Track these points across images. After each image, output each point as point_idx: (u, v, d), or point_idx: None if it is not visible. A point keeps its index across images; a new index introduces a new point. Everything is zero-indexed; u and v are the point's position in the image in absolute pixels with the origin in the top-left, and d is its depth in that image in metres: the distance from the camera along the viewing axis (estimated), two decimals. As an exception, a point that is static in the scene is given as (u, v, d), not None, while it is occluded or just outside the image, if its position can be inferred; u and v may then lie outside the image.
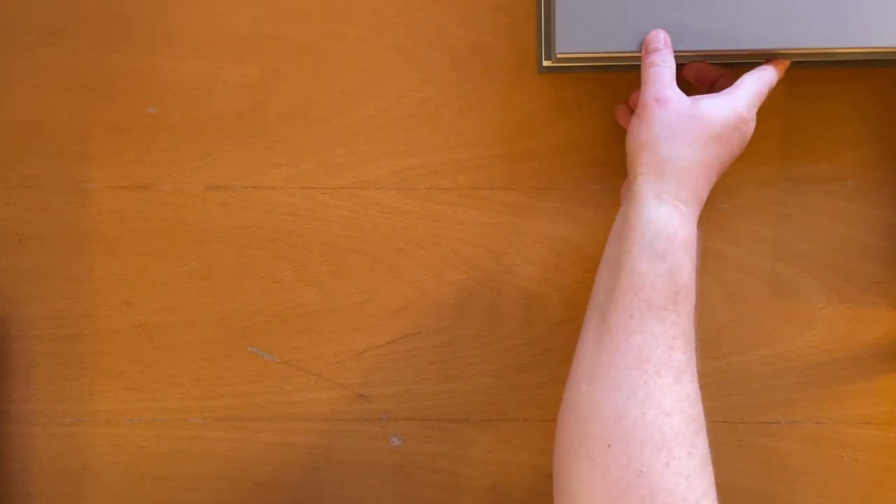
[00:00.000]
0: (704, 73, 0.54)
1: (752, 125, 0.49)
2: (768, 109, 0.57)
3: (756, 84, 0.50)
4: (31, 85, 0.58)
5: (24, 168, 0.58)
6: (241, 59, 0.58)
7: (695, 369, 0.46)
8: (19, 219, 0.59)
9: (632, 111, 0.55)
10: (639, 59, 0.52)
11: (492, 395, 0.59)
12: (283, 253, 0.59)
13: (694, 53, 0.52)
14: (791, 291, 0.58)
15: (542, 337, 0.58)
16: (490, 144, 0.58)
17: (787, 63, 0.52)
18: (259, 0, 0.58)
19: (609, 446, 0.43)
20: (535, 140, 0.58)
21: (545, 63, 0.55)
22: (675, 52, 0.51)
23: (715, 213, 0.58)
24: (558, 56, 0.52)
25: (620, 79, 0.57)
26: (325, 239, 0.58)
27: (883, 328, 0.58)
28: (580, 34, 0.51)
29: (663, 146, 0.48)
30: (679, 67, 0.51)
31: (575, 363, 0.48)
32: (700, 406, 0.45)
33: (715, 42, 0.51)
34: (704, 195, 0.49)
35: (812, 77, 0.57)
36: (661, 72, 0.50)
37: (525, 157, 0.58)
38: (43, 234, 0.59)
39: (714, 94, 0.49)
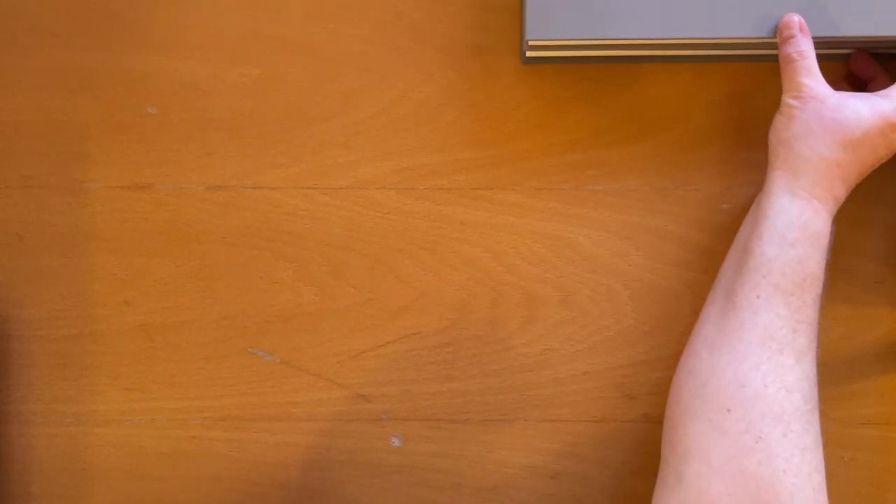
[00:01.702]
0: (864, 67, 0.54)
1: None
2: (768, 110, 0.57)
3: None
4: (31, 85, 0.58)
5: (24, 168, 0.58)
6: (241, 59, 0.58)
7: (815, 354, 0.48)
8: (19, 219, 0.59)
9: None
10: (617, 46, 0.52)
11: (492, 395, 0.59)
12: (283, 253, 0.59)
13: (672, 42, 0.52)
14: (791, 291, 0.58)
15: (542, 337, 0.58)
16: (490, 144, 0.58)
17: None
18: (259, 0, 0.58)
19: (729, 410, 0.46)
20: (535, 140, 0.58)
21: (528, 54, 0.55)
22: (648, 40, 0.51)
23: (715, 213, 0.58)
24: (529, 44, 0.52)
25: (621, 78, 0.57)
26: (325, 239, 0.58)
27: (883, 328, 0.58)
28: (551, 21, 0.51)
29: (801, 145, 0.49)
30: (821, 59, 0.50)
31: (695, 335, 0.50)
32: (817, 390, 0.48)
33: (708, 29, 0.51)
34: (841, 194, 0.49)
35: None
36: (799, 67, 0.50)
37: (525, 157, 0.58)
38: (43, 234, 0.59)
39: (861, 95, 0.49)
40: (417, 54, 0.58)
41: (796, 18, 0.51)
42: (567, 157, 0.58)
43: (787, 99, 0.50)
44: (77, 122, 0.58)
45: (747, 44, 0.53)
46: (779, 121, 0.50)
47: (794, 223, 0.48)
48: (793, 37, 0.50)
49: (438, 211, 0.58)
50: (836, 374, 0.58)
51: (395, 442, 0.59)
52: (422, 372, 0.59)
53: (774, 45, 0.52)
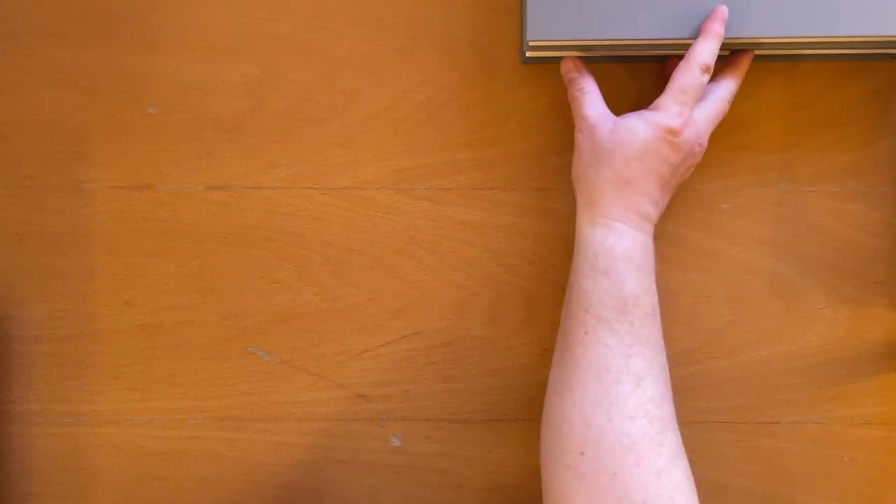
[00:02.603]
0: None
1: (687, 130, 0.49)
2: (768, 110, 0.57)
3: (678, 86, 0.50)
4: (31, 85, 0.58)
5: (24, 168, 0.58)
6: (241, 59, 0.58)
7: (659, 371, 0.48)
8: (19, 219, 0.59)
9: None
10: (618, 47, 0.52)
11: (492, 395, 0.59)
12: (283, 253, 0.59)
13: (670, 43, 0.52)
14: (791, 291, 0.58)
15: (542, 337, 0.58)
16: (490, 144, 0.58)
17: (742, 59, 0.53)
18: (259, 0, 0.58)
19: (582, 454, 0.46)
20: (535, 140, 0.58)
21: (528, 54, 0.55)
22: (647, 41, 0.51)
23: (715, 213, 0.58)
24: (530, 44, 0.52)
25: (620, 78, 0.57)
26: (325, 239, 0.59)
27: (883, 328, 0.58)
28: (552, 21, 0.52)
29: (589, 174, 0.50)
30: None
31: (549, 380, 0.51)
32: (667, 406, 0.48)
33: (688, 29, 0.51)
34: (647, 209, 0.50)
35: (812, 77, 0.57)
36: (580, 101, 0.52)
37: (525, 157, 0.58)
38: (43, 234, 0.59)
39: (637, 113, 0.51)
40: (417, 54, 0.58)
41: (571, 62, 0.53)
42: (567, 157, 0.58)
43: (575, 134, 0.52)
44: (77, 122, 0.58)
45: (747, 43, 0.53)
46: (574, 159, 0.52)
47: (600, 251, 0.49)
48: (572, 79, 0.53)
49: (438, 211, 0.58)
50: (836, 374, 0.58)
51: (395, 442, 0.59)
52: (422, 372, 0.59)
53: (775, 45, 0.52)
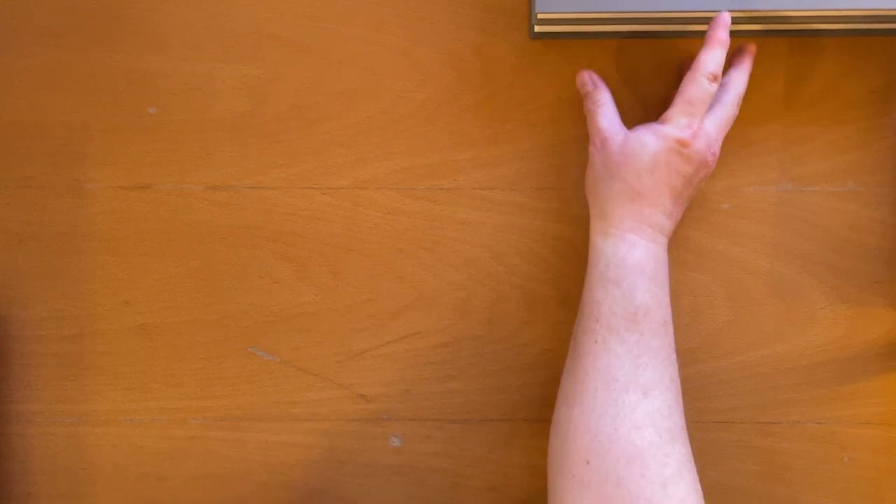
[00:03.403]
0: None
1: (698, 141, 0.49)
2: (768, 110, 0.57)
3: (686, 98, 0.50)
4: (31, 85, 0.58)
5: (24, 168, 0.58)
6: (241, 59, 0.58)
7: (669, 383, 0.48)
8: (19, 219, 0.59)
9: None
10: (626, 20, 0.52)
11: (492, 395, 0.59)
12: (283, 253, 0.59)
13: (679, 16, 0.51)
14: (791, 291, 0.58)
15: (542, 337, 0.58)
16: (490, 144, 0.58)
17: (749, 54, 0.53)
18: (259, 0, 0.58)
19: (587, 462, 0.46)
20: (535, 140, 0.58)
21: (537, 29, 0.55)
22: (658, 14, 0.51)
23: (715, 213, 0.58)
24: (539, 17, 0.52)
25: (621, 77, 0.57)
26: (325, 239, 0.59)
27: (883, 328, 0.58)
28: None
29: (601, 187, 0.51)
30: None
31: (559, 389, 0.51)
32: (676, 417, 0.48)
33: (702, 3, 0.51)
34: (660, 220, 0.50)
35: (812, 77, 0.57)
36: (594, 114, 0.53)
37: (525, 157, 0.58)
38: (43, 234, 0.59)
39: (648, 126, 0.51)
40: (417, 54, 0.58)
41: (586, 75, 0.54)
42: (567, 157, 0.58)
43: (589, 147, 0.53)
44: (77, 122, 0.58)
45: (760, 17, 0.52)
46: (587, 171, 0.53)
47: (612, 261, 0.49)
48: (588, 92, 0.54)
49: (438, 211, 0.58)
50: (836, 374, 0.58)
51: (395, 442, 0.59)
52: (422, 372, 0.59)
53: (784, 20, 0.52)
